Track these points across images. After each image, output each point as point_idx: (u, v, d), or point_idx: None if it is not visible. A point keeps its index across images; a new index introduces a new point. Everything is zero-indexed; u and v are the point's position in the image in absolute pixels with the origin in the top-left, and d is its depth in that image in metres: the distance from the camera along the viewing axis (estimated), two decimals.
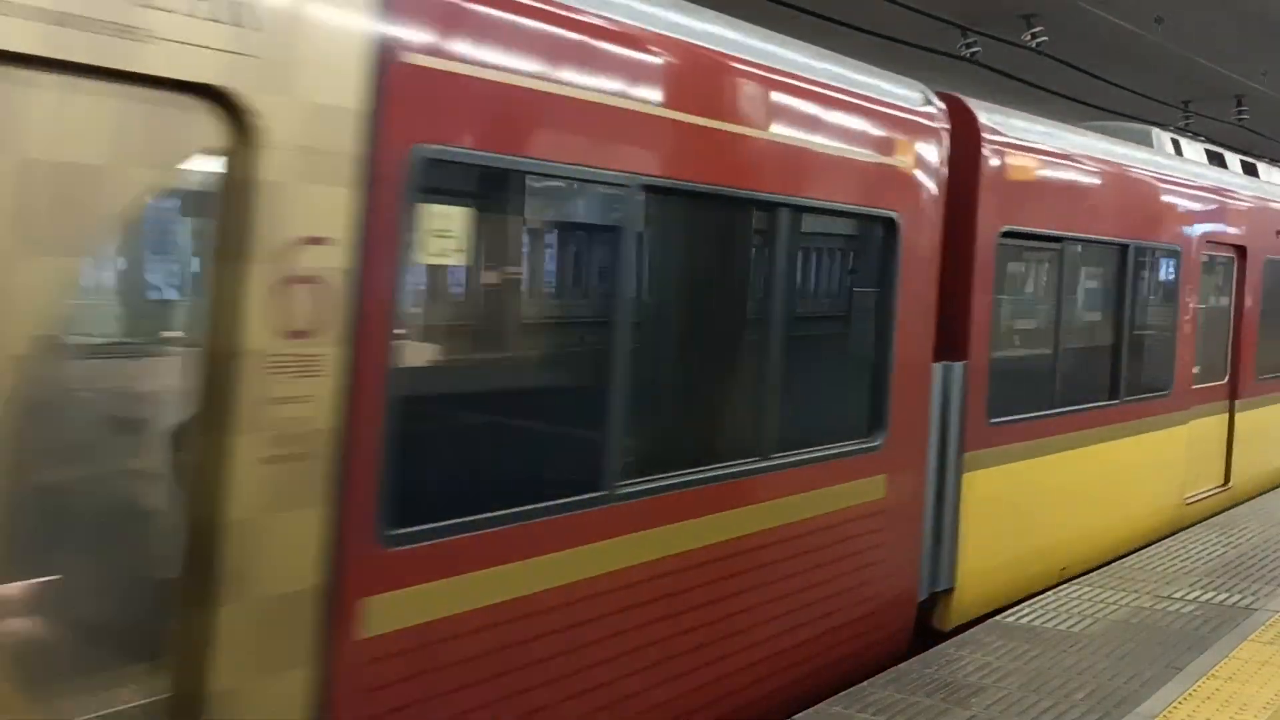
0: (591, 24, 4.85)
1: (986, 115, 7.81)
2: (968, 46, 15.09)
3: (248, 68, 3.55)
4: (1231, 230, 11.66)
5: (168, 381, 3.78)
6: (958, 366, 7.55)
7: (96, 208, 3.31)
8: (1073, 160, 8.93)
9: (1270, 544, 9.83)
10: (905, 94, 6.98)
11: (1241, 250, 11.96)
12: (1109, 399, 9.56)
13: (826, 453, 6.33)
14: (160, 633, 3.65)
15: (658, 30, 5.24)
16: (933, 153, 7.05)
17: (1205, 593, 8.21)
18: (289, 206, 3.70)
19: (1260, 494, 12.55)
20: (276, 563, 3.75)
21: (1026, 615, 7.54)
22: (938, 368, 7.36)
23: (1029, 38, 15.05)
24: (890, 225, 6.69)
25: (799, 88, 6.02)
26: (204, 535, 3.61)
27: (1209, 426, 11.52)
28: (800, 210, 6.07)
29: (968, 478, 7.64)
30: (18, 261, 3.14)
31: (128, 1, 3.26)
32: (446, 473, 4.63)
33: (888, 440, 6.75)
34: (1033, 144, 8.39)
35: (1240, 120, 20.50)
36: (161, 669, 3.62)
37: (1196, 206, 10.96)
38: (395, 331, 4.09)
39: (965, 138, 7.50)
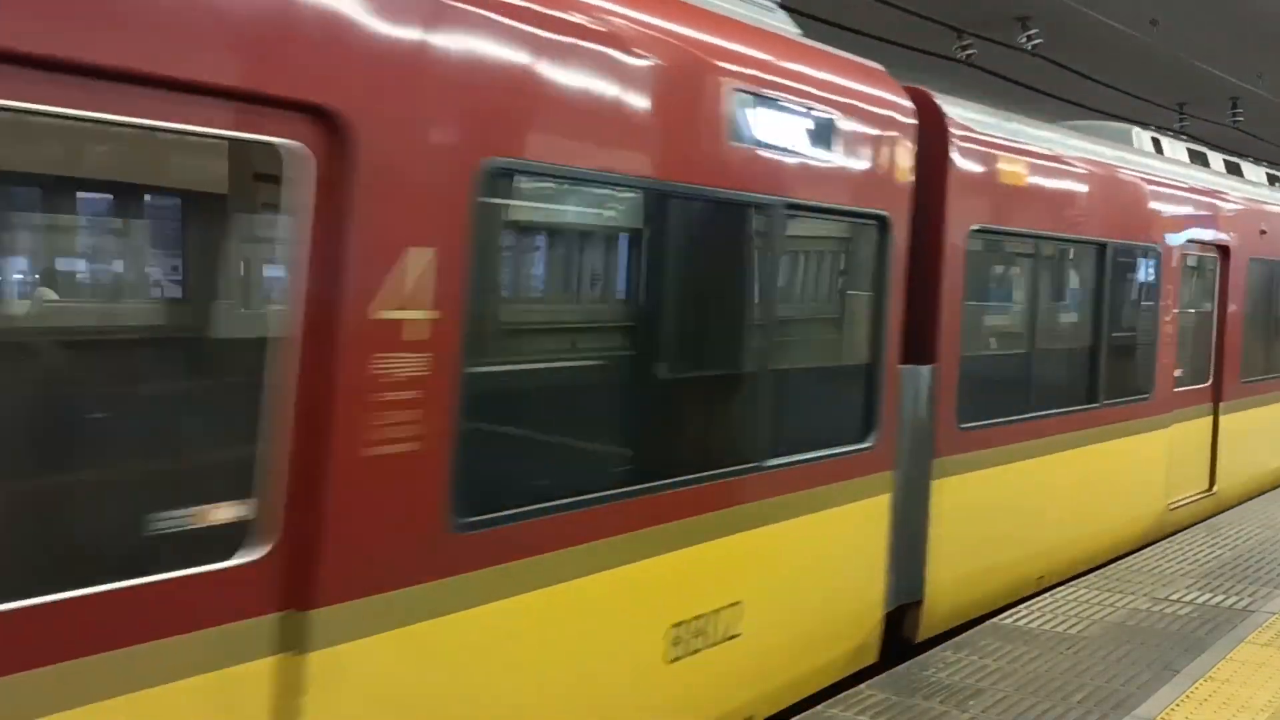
0: None
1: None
2: (963, 49, 15.10)
3: None
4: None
5: None
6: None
7: None
8: None
9: (1266, 546, 9.83)
10: None
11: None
12: None
13: None
14: None
15: None
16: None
17: (1202, 595, 8.20)
18: None
19: None
20: None
21: (1023, 617, 7.53)
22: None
23: (1024, 40, 15.06)
24: None
25: None
26: None
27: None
28: None
29: None
30: None
31: None
32: None
33: None
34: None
35: (1235, 123, 20.53)
36: None
37: None
38: None
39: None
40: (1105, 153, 9.69)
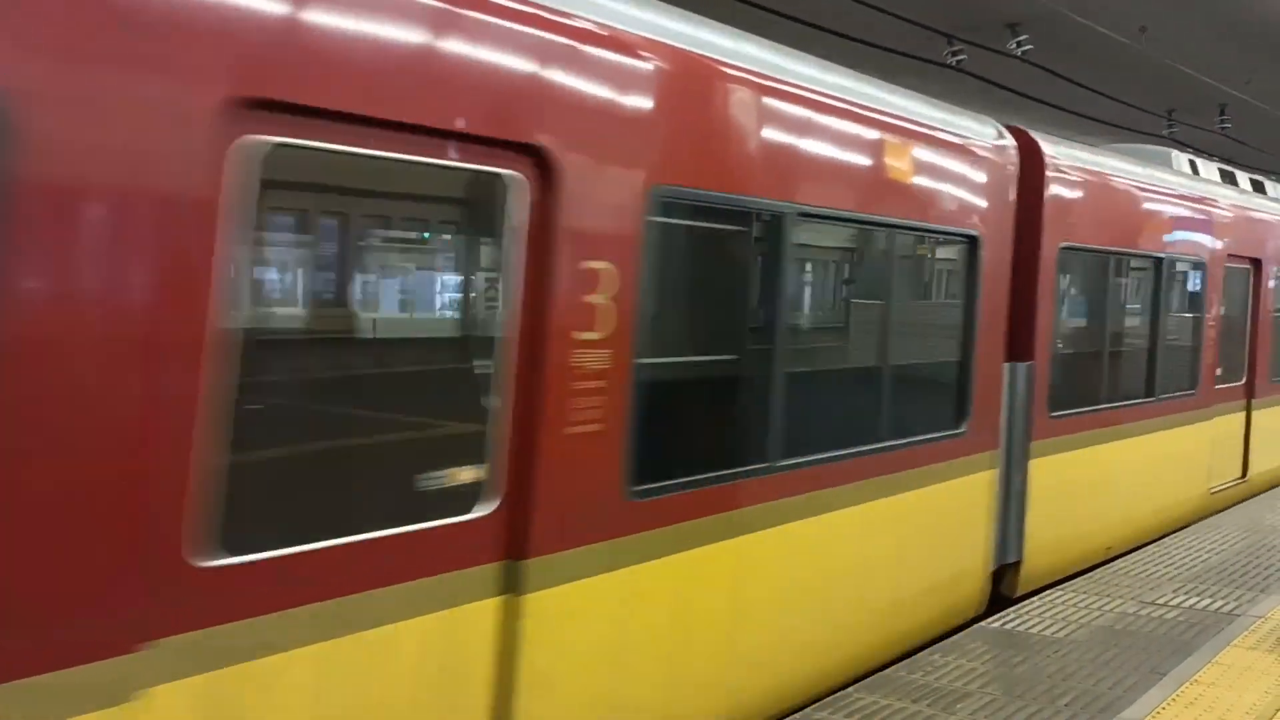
0: None
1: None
2: (953, 54, 15.15)
3: None
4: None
5: None
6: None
7: None
8: None
9: (1253, 549, 9.87)
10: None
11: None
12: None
13: None
14: None
15: None
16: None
17: (1189, 598, 8.23)
18: None
19: None
20: None
21: (1011, 621, 7.55)
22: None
23: (1014, 46, 15.11)
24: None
25: None
26: None
27: None
28: None
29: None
30: None
31: None
32: None
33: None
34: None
35: (1223, 129, 20.61)
36: None
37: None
38: None
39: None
40: None
